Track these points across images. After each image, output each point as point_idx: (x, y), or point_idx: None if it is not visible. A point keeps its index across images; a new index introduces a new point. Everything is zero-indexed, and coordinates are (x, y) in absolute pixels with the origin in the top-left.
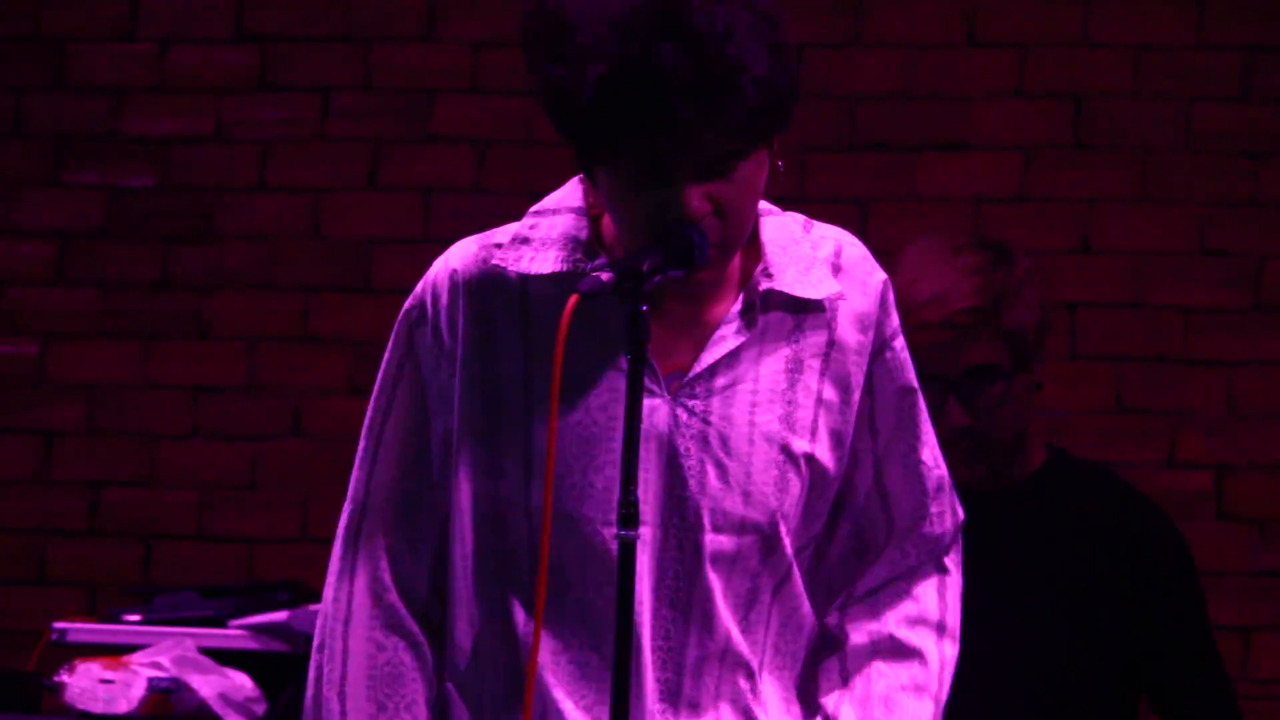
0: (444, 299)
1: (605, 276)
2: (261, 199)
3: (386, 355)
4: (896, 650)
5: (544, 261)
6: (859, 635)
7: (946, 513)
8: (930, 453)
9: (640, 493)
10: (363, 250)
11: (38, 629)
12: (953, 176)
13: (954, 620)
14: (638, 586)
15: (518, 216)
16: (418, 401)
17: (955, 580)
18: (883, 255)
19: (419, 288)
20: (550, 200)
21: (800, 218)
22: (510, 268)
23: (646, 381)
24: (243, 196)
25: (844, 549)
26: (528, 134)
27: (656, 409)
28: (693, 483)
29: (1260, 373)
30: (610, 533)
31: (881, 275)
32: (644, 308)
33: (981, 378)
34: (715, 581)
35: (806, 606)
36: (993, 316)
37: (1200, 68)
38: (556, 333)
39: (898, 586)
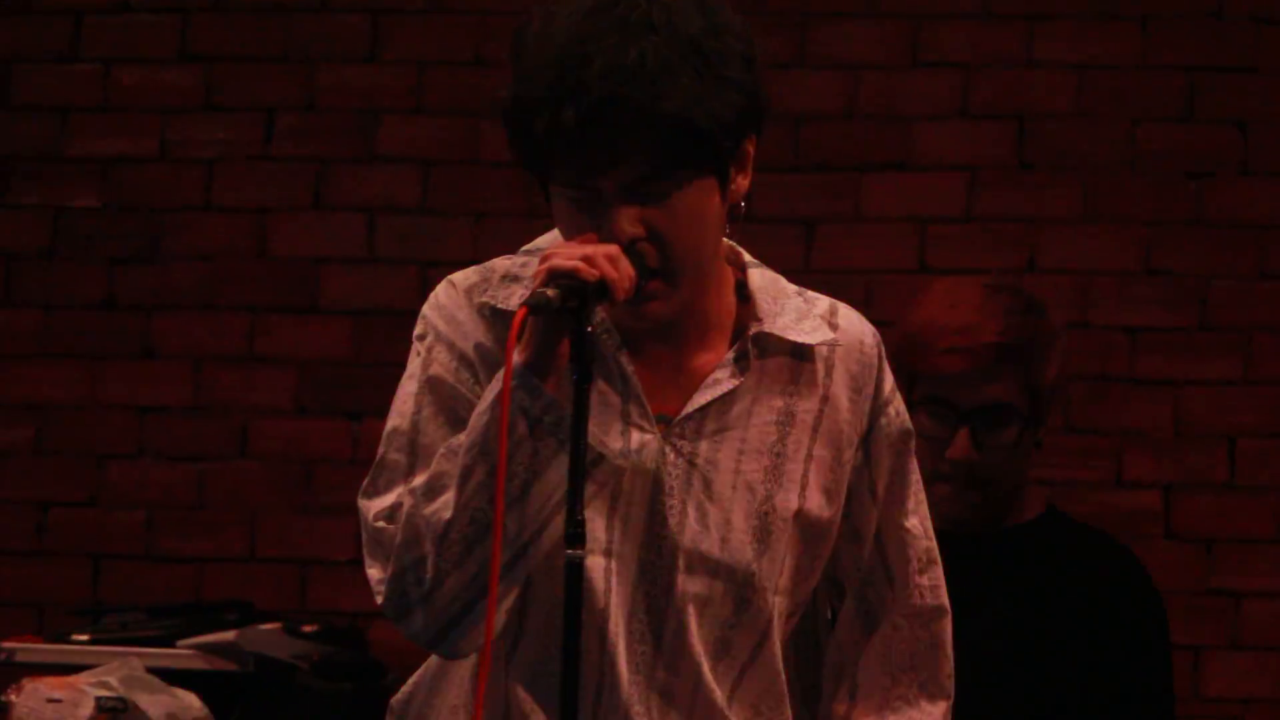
0: (445, 329)
1: (551, 293)
2: (207, 219)
3: (409, 377)
4: None
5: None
6: None
7: (940, 589)
8: (922, 522)
9: (621, 526)
10: (308, 270)
11: None
12: (897, 196)
13: None
14: (612, 617)
15: (462, 236)
16: (450, 406)
17: (952, 705)
18: (828, 275)
19: (425, 313)
20: (543, 239)
21: (788, 283)
22: (500, 305)
23: (637, 417)
24: (188, 216)
25: (851, 625)
26: (472, 154)
27: (646, 445)
28: (672, 521)
29: (1206, 392)
30: (591, 562)
31: (875, 336)
32: (588, 328)
33: (996, 417)
34: (688, 621)
35: (783, 683)
36: (1019, 359)
37: (1144, 88)
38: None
39: (910, 696)
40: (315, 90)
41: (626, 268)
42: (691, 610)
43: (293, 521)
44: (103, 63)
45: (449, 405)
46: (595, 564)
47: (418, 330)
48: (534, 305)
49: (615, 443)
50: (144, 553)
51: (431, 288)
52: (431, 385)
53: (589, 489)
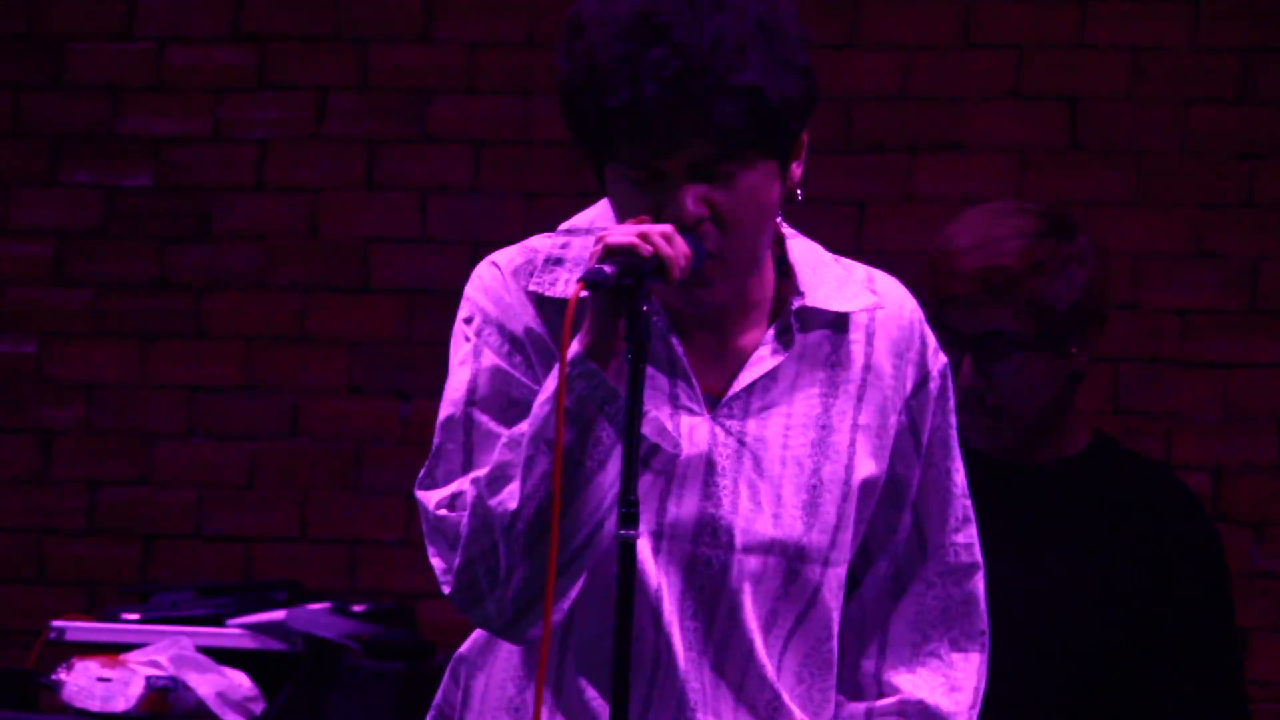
0: (494, 312)
1: (608, 269)
2: (258, 199)
3: (452, 350)
4: (927, 717)
5: None
6: (892, 692)
7: (974, 546)
8: (961, 481)
9: (675, 508)
10: (359, 250)
11: (36, 628)
12: (949, 178)
13: (980, 697)
14: (665, 598)
15: (513, 216)
16: (505, 391)
17: (987, 657)
18: (879, 256)
19: (467, 295)
20: (582, 219)
21: (825, 251)
22: (546, 293)
23: (686, 400)
24: (240, 196)
25: (880, 587)
26: (523, 134)
27: (696, 427)
28: (725, 501)
29: (1256, 375)
30: (642, 544)
31: (915, 305)
32: (644, 307)
33: (996, 344)
34: (741, 600)
35: (834, 644)
36: (1025, 284)
37: (1196, 70)
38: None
39: (940, 651)
40: (367, 70)
41: (682, 246)
42: (746, 588)
43: (342, 501)
44: (155, 42)
45: (504, 391)
46: (645, 546)
47: (463, 313)
48: (591, 281)
49: (666, 426)
50: (194, 532)
51: None
52: (485, 371)
53: (646, 479)
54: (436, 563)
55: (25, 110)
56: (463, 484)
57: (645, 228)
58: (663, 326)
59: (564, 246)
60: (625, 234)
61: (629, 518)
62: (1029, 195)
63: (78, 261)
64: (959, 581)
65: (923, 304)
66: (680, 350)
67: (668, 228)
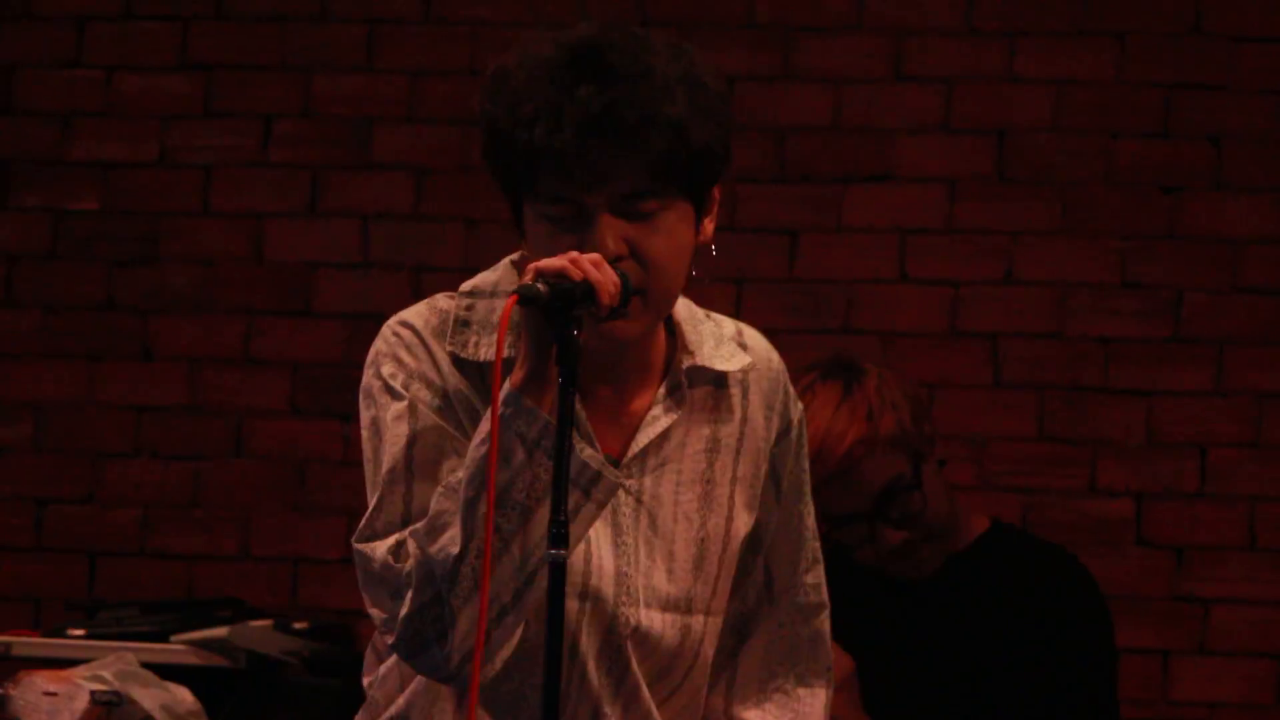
0: (421, 368)
1: (542, 288)
2: (204, 223)
3: (375, 411)
4: None
5: (491, 348)
6: None
7: (822, 586)
8: (811, 525)
9: (595, 566)
10: (303, 274)
11: None
12: (879, 208)
13: None
14: (587, 658)
15: (454, 243)
16: (440, 444)
17: (832, 694)
18: (811, 284)
19: (384, 353)
20: (484, 281)
21: (695, 306)
22: (461, 354)
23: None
24: (186, 221)
25: (728, 626)
26: (465, 162)
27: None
28: (630, 559)
29: (1178, 402)
30: (569, 605)
31: (778, 359)
32: (575, 332)
33: (893, 494)
34: (641, 654)
35: (702, 697)
36: (875, 435)
37: (1121, 104)
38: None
39: (786, 687)
40: (311, 98)
41: (611, 273)
42: (646, 643)
43: (285, 520)
44: (104, 69)
45: (439, 445)
46: (571, 608)
47: (385, 369)
48: (525, 296)
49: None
50: (139, 550)
51: (424, 292)
52: (421, 425)
53: (592, 510)
54: (376, 612)
55: None
56: (404, 535)
57: (575, 255)
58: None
59: (469, 309)
60: (556, 260)
61: (559, 537)
62: (958, 225)
63: (27, 283)
64: (806, 620)
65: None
66: (583, 415)
67: (596, 256)
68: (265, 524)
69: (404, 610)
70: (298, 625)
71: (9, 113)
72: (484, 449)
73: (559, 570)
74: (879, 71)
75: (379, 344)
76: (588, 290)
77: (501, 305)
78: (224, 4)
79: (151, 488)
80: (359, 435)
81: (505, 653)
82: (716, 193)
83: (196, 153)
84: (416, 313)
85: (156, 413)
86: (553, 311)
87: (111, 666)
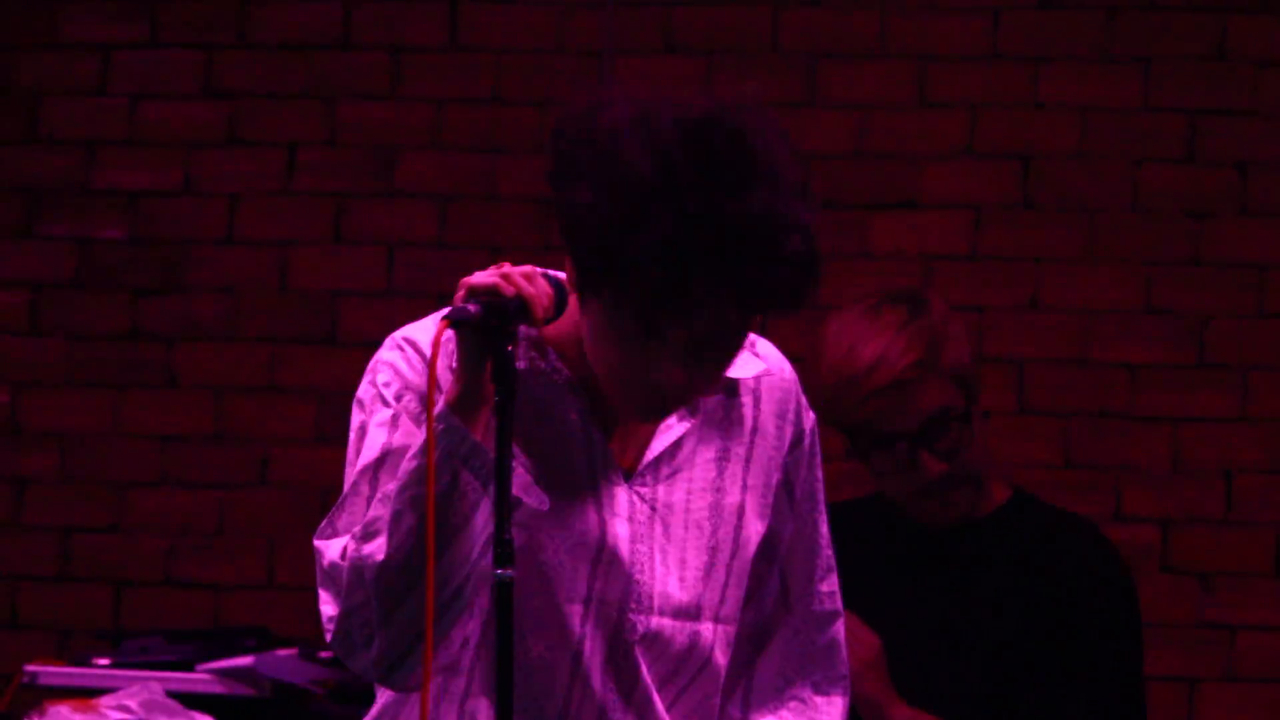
0: (415, 381)
1: (473, 308)
2: (229, 252)
3: (364, 417)
4: None
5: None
6: None
7: (836, 594)
8: (826, 532)
9: (603, 574)
10: (328, 302)
11: (10, 672)
12: (904, 234)
13: None
14: (589, 663)
15: (478, 269)
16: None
17: (849, 702)
18: (836, 310)
19: (383, 362)
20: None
21: None
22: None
23: (605, 471)
24: (211, 249)
25: (745, 635)
26: (489, 190)
27: (616, 496)
28: (645, 567)
29: (1203, 428)
30: (570, 610)
31: (790, 369)
32: (509, 347)
33: (942, 423)
34: (649, 659)
35: (718, 698)
36: (935, 362)
37: (1146, 130)
38: (531, 420)
39: (803, 695)
40: (336, 126)
41: (544, 286)
42: (655, 649)
43: (310, 549)
44: (129, 97)
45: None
46: (574, 611)
47: (381, 377)
48: (455, 319)
49: (588, 499)
50: (164, 579)
51: None
52: (400, 436)
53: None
54: (324, 609)
55: (1, 164)
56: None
57: (507, 269)
58: (579, 406)
59: None
60: (488, 275)
61: (504, 556)
62: (983, 251)
63: (52, 312)
64: (822, 628)
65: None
66: (595, 431)
67: (529, 268)
68: (290, 552)
69: (337, 610)
70: (323, 654)
71: (34, 141)
72: (414, 462)
73: (504, 589)
74: (903, 98)
75: (380, 354)
76: (521, 305)
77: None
78: (248, 32)
79: (177, 517)
80: None
81: (441, 664)
82: None
83: (221, 181)
84: (422, 328)
85: (182, 442)
86: (486, 330)
87: (137, 696)
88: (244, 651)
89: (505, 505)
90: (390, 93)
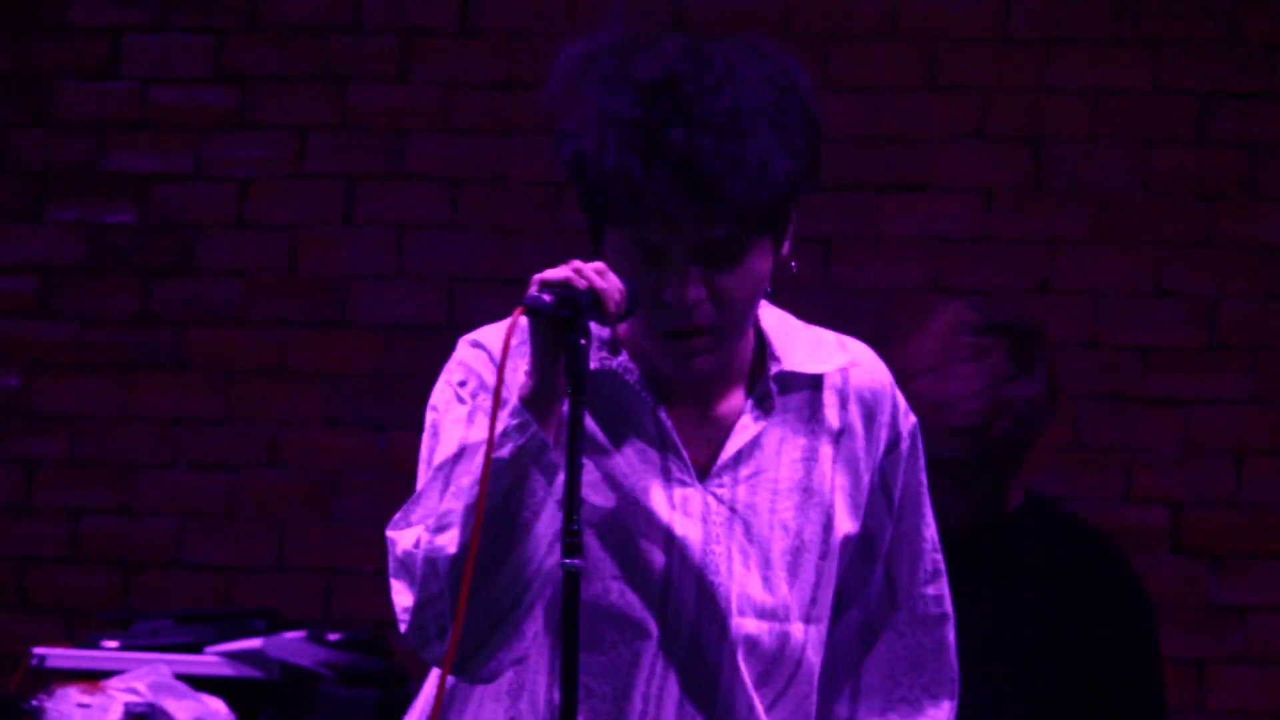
0: (488, 378)
1: (548, 298)
2: (239, 235)
3: (438, 415)
4: None
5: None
6: None
7: (944, 598)
8: (931, 536)
9: (677, 577)
10: (338, 285)
11: (18, 654)
12: (915, 217)
13: None
14: (670, 657)
15: (489, 253)
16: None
17: (956, 706)
18: (845, 294)
19: (459, 361)
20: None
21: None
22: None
23: (678, 472)
24: (221, 233)
25: (852, 636)
26: (499, 172)
27: (689, 498)
28: (721, 568)
29: (1214, 410)
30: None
31: (885, 368)
32: (580, 340)
33: (941, 472)
34: (738, 663)
35: (815, 698)
36: (982, 432)
37: (1157, 112)
38: (603, 420)
39: (911, 697)
40: (346, 109)
41: (615, 280)
42: (742, 651)
43: (319, 531)
44: (140, 81)
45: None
46: (649, 607)
47: (456, 376)
48: (530, 306)
49: (659, 499)
50: (174, 561)
51: (459, 304)
52: (475, 431)
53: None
54: (398, 599)
55: (11, 147)
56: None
57: (579, 264)
58: (650, 403)
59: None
60: (560, 270)
61: (572, 547)
62: (994, 234)
63: (62, 296)
64: (929, 630)
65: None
66: (669, 424)
67: (600, 264)
68: (299, 535)
69: (412, 602)
70: (332, 636)
71: (44, 125)
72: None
73: (572, 579)
74: (914, 81)
75: (455, 355)
76: (593, 298)
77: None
78: (259, 16)
79: (186, 499)
80: (392, 446)
81: (513, 656)
82: (793, 213)
83: (232, 164)
84: (493, 329)
85: (192, 424)
86: (559, 321)
87: (145, 678)
88: (253, 634)
89: (574, 496)
90: (401, 76)
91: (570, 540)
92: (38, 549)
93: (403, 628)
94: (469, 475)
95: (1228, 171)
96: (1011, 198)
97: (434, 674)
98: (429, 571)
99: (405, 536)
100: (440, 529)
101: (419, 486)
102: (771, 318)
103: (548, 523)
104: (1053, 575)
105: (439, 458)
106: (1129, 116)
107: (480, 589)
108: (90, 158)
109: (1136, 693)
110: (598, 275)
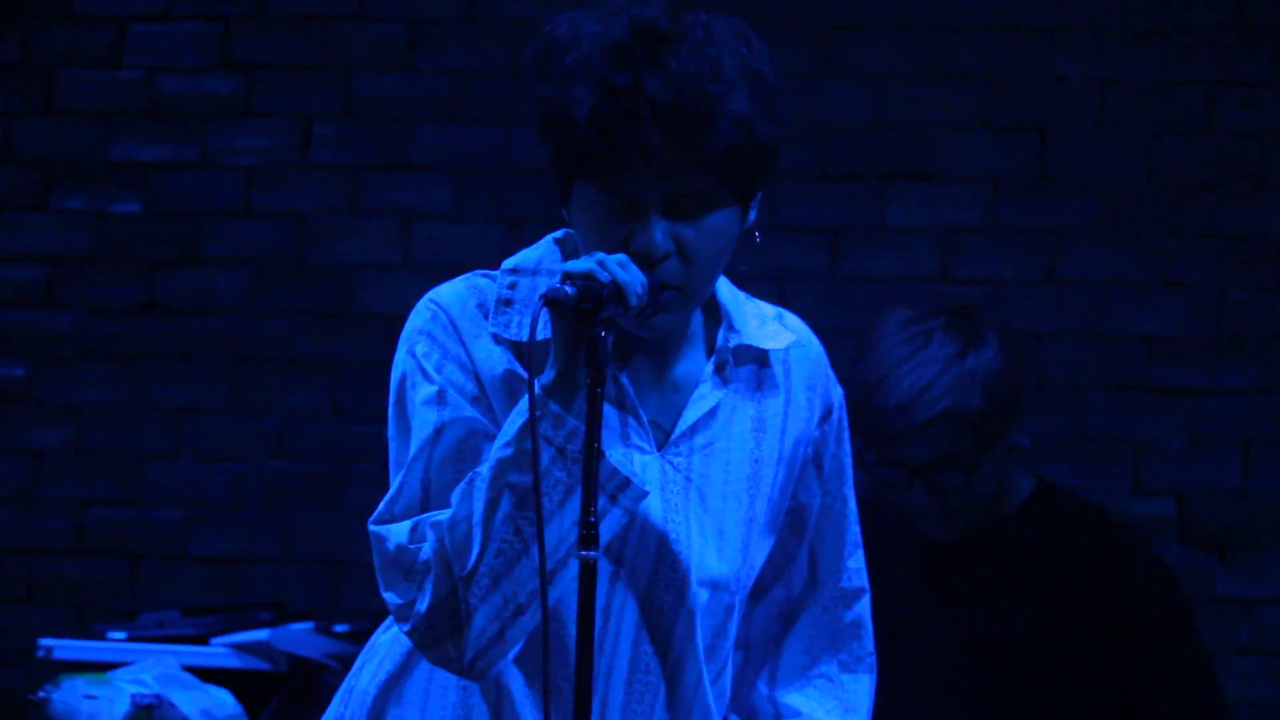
0: (453, 349)
1: (570, 289)
2: (245, 224)
3: (404, 390)
4: None
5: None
6: (790, 713)
7: (863, 571)
8: (853, 508)
9: (634, 544)
10: (344, 275)
11: (25, 646)
12: (921, 206)
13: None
14: (621, 624)
15: (495, 242)
16: (470, 429)
17: (875, 680)
18: (852, 282)
19: (419, 329)
20: (527, 259)
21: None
22: (504, 334)
23: (637, 439)
24: (227, 222)
25: (773, 613)
26: (505, 161)
27: (648, 465)
28: (681, 537)
29: (1220, 401)
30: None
31: (818, 343)
32: (601, 332)
33: (945, 466)
34: (693, 633)
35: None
36: (962, 412)
37: (1163, 102)
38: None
39: (830, 673)
40: (352, 98)
41: (638, 273)
42: (697, 622)
43: (326, 522)
44: (145, 70)
45: (468, 430)
46: (603, 579)
47: (420, 348)
48: (553, 298)
49: (631, 465)
50: (180, 552)
51: None
52: (450, 412)
53: (615, 513)
54: (390, 597)
55: (17, 137)
56: (422, 519)
57: (602, 257)
58: (616, 388)
59: (511, 287)
60: (584, 262)
61: (589, 539)
62: (1000, 223)
63: (68, 285)
64: (848, 605)
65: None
66: (628, 384)
67: (623, 257)
68: (306, 526)
69: (422, 604)
70: (338, 628)
71: (50, 114)
72: (508, 451)
73: (589, 572)
74: (920, 70)
75: (413, 320)
76: (615, 291)
77: (543, 284)
78: (264, 4)
79: (193, 489)
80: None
81: (516, 650)
82: (760, 185)
83: (237, 153)
84: (453, 291)
85: (198, 414)
86: (581, 313)
87: (152, 669)
88: (260, 625)
89: (592, 487)
90: (406, 64)
91: (587, 532)
92: (44, 540)
93: (404, 626)
94: (486, 467)
95: (1234, 162)
96: (1018, 187)
97: (375, 661)
98: (442, 572)
99: (393, 531)
100: (455, 526)
101: (393, 471)
102: (724, 288)
103: (572, 512)
104: (1074, 563)
105: (415, 444)
106: (1136, 107)
107: (500, 583)
108: (96, 147)
109: (1176, 662)
110: (620, 268)
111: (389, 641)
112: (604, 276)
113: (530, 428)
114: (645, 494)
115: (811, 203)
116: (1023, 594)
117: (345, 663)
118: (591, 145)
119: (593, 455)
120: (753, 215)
